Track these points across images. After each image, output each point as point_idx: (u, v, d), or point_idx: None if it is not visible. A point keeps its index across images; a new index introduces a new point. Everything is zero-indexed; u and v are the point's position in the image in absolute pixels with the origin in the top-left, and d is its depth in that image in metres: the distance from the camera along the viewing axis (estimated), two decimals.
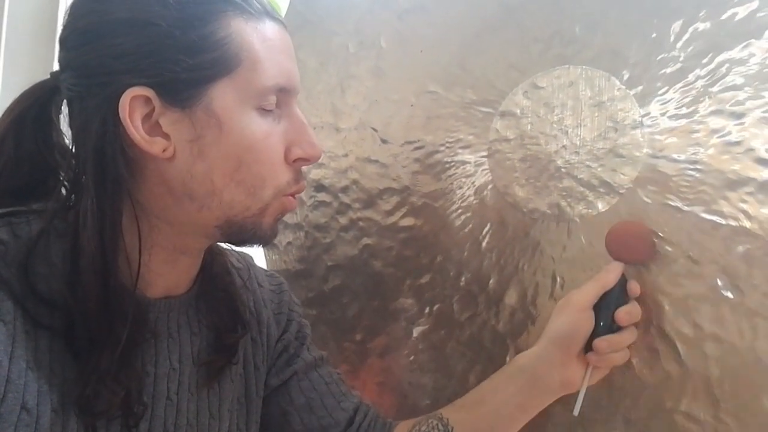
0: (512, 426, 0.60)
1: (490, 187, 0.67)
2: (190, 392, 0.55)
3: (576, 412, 0.57)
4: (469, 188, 0.68)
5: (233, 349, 0.58)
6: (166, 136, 0.48)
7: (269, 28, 0.50)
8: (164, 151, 0.48)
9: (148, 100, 0.47)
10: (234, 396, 0.59)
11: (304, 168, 0.54)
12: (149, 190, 0.50)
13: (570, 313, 0.58)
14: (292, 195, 0.53)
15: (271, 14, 0.51)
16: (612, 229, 0.58)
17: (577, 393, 0.58)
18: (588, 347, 0.57)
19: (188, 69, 0.46)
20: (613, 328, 0.57)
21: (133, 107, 0.46)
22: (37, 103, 0.50)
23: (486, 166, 0.67)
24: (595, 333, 0.57)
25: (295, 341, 0.65)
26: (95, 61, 0.47)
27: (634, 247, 0.57)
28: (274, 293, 0.67)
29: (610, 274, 0.57)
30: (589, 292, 0.58)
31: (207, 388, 0.56)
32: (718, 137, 0.55)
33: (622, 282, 0.57)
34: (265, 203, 0.51)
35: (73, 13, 0.49)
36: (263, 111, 0.50)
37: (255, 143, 0.49)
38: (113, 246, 0.47)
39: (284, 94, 0.51)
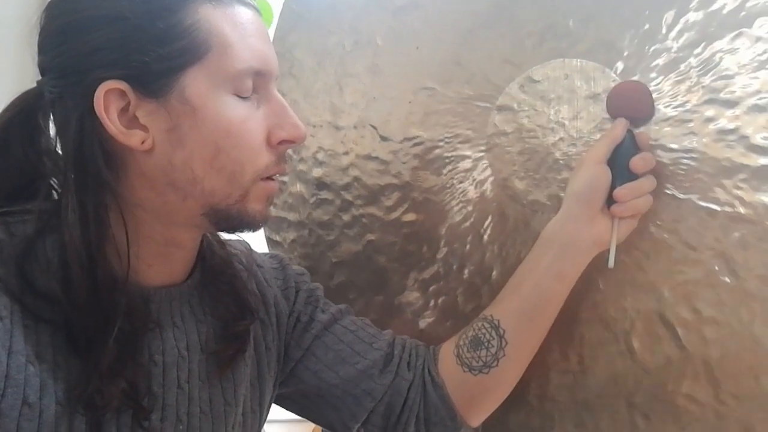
0: (554, 299, 0.61)
1: (489, 180, 0.68)
2: (201, 380, 0.56)
3: (611, 264, 0.59)
4: (469, 182, 0.69)
5: (243, 337, 0.59)
6: (144, 128, 0.48)
7: (240, 12, 0.50)
8: (143, 143, 0.48)
9: (122, 93, 0.47)
10: (248, 379, 0.60)
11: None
12: (131, 183, 0.50)
13: (585, 169, 0.59)
14: (272, 178, 0.54)
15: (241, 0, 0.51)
16: (611, 91, 0.60)
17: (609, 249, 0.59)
18: (611, 203, 0.58)
19: (158, 59, 0.47)
20: (631, 178, 0.58)
21: (108, 101, 0.47)
22: (23, 111, 0.51)
23: (485, 160, 0.68)
24: (614, 187, 0.58)
25: (305, 308, 0.66)
26: (69, 60, 0.48)
27: (633, 103, 0.58)
28: (278, 270, 0.67)
29: (617, 128, 0.59)
30: (599, 147, 0.59)
31: (219, 376, 0.57)
32: (712, 125, 0.56)
33: (630, 135, 0.58)
34: (244, 189, 0.51)
35: (47, 16, 0.50)
36: (239, 96, 0.50)
37: (232, 128, 0.49)
38: (99, 239, 0.47)
39: (260, 77, 0.51)
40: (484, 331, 0.61)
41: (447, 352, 0.64)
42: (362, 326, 0.66)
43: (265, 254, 0.69)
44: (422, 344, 0.66)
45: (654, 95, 0.59)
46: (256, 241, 0.70)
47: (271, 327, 0.64)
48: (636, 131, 0.59)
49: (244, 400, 0.60)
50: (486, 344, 0.61)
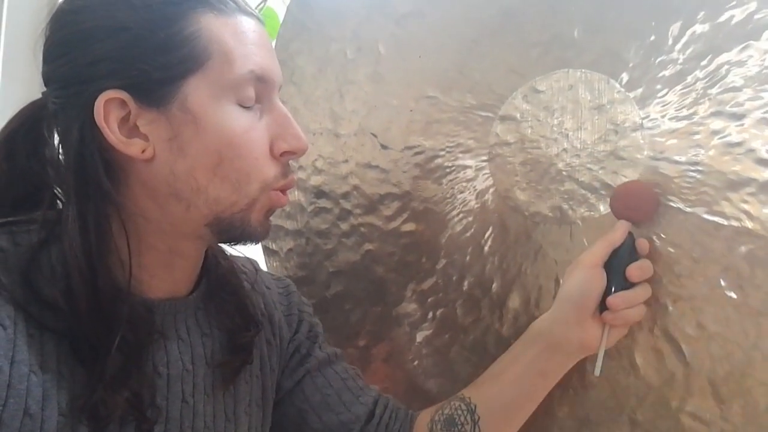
0: (535, 394, 0.60)
1: (491, 191, 0.67)
2: (206, 394, 0.55)
3: (597, 372, 0.57)
4: (470, 192, 0.68)
5: (248, 350, 0.59)
6: (145, 137, 0.48)
7: (241, 21, 0.50)
8: (143, 152, 0.48)
9: (123, 102, 0.47)
10: (251, 398, 0.60)
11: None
12: (133, 193, 0.50)
13: (581, 272, 0.58)
14: (282, 190, 0.53)
15: (243, 9, 0.51)
16: (615, 191, 0.59)
17: (597, 355, 0.57)
18: (603, 308, 0.57)
19: (159, 68, 0.47)
20: (626, 285, 0.56)
21: (108, 110, 0.47)
22: (28, 122, 0.51)
23: (487, 171, 0.67)
24: (608, 292, 0.57)
25: (306, 341, 0.66)
26: (71, 70, 0.48)
27: (638, 206, 0.57)
28: (282, 295, 0.67)
29: (617, 232, 0.57)
30: (597, 250, 0.58)
31: (223, 390, 0.57)
32: (718, 138, 0.55)
33: (630, 240, 0.57)
34: (252, 198, 0.51)
35: (51, 27, 0.50)
36: (242, 106, 0.50)
37: (234, 138, 0.49)
38: (100, 249, 0.47)
39: (263, 86, 0.51)
40: (459, 412, 0.61)
41: (422, 423, 0.64)
42: (353, 376, 0.66)
43: (272, 276, 0.69)
44: (402, 408, 0.66)
45: (659, 107, 0.58)
46: (253, 250, 0.69)
47: (276, 348, 0.63)
48: (637, 238, 0.58)
49: (249, 420, 0.59)
50: (459, 427, 0.60)
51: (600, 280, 0.57)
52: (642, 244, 0.58)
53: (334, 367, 0.65)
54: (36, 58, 0.51)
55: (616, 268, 0.57)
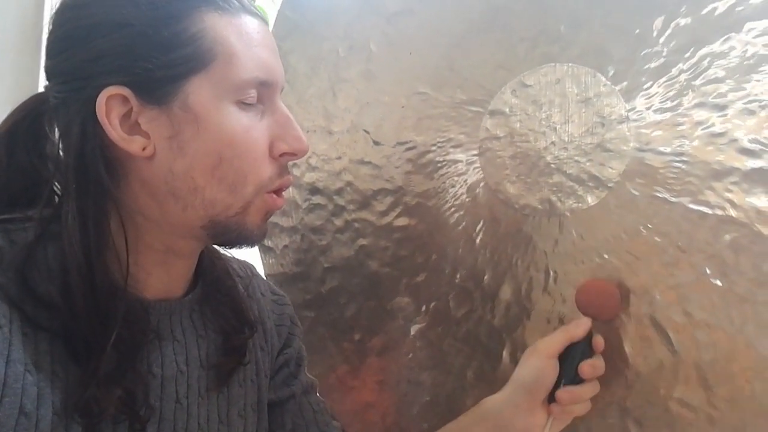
0: None
1: (482, 184, 0.68)
2: (200, 396, 0.55)
3: None
4: (461, 186, 0.69)
5: (242, 351, 0.59)
6: (146, 135, 0.48)
7: (246, 22, 0.50)
8: (144, 149, 0.48)
9: (125, 99, 0.47)
10: (246, 401, 0.59)
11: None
12: (132, 190, 0.50)
13: (537, 361, 0.60)
14: (277, 192, 0.53)
15: (248, 9, 0.51)
16: (581, 286, 0.60)
17: None
18: (551, 397, 0.59)
19: (162, 66, 0.47)
20: (576, 380, 0.58)
21: (110, 107, 0.47)
22: (29, 116, 0.51)
23: (477, 165, 0.68)
24: (558, 384, 0.59)
25: (295, 360, 0.66)
26: (74, 65, 0.48)
27: (602, 305, 0.59)
28: (276, 304, 0.67)
29: (579, 328, 0.59)
30: (556, 341, 0.59)
31: (216, 393, 0.56)
32: (702, 129, 0.56)
33: (589, 336, 0.59)
34: (246, 201, 0.51)
35: (54, 22, 0.50)
36: (243, 105, 0.49)
37: (234, 138, 0.49)
38: (98, 246, 0.47)
39: (266, 88, 0.51)
40: None
41: None
42: (322, 409, 0.66)
43: (267, 283, 0.69)
44: None
45: (644, 99, 0.59)
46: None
47: (269, 355, 0.63)
48: (594, 335, 0.60)
49: (245, 423, 0.59)
50: None
51: (553, 370, 0.59)
52: (598, 342, 0.59)
53: (309, 398, 0.66)
54: (22, 58, 0.51)
55: (570, 361, 0.59)
